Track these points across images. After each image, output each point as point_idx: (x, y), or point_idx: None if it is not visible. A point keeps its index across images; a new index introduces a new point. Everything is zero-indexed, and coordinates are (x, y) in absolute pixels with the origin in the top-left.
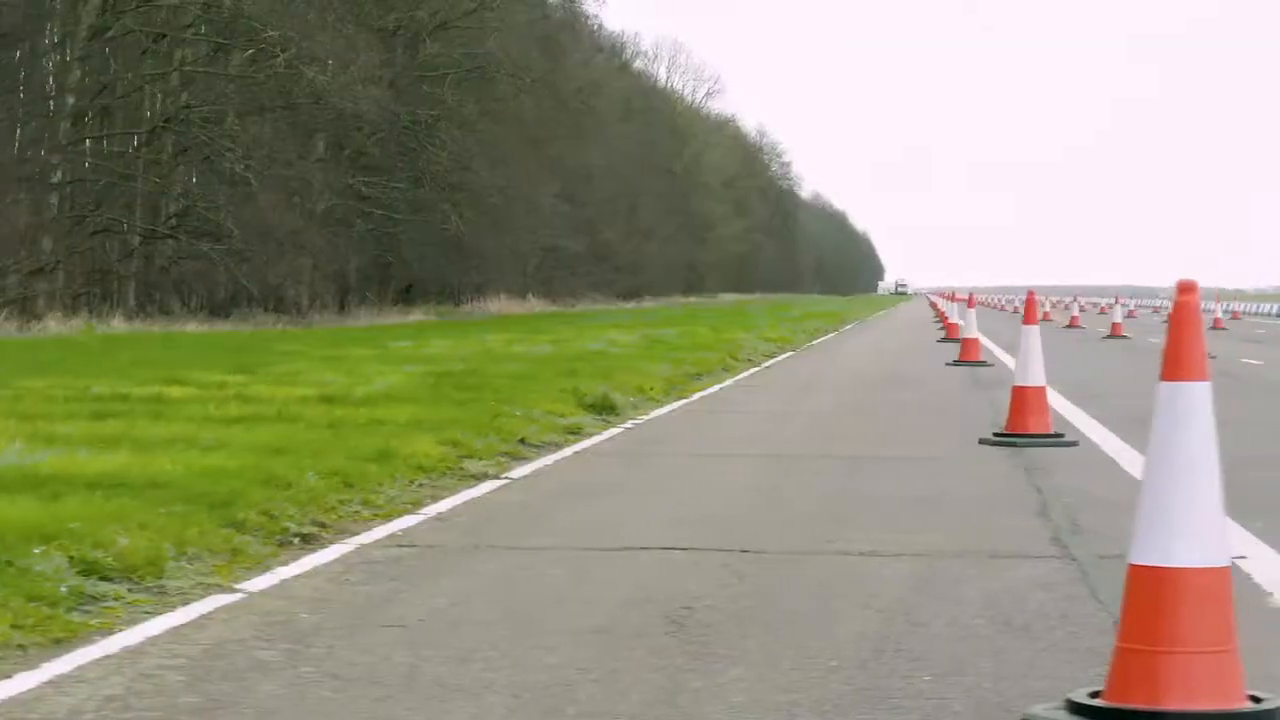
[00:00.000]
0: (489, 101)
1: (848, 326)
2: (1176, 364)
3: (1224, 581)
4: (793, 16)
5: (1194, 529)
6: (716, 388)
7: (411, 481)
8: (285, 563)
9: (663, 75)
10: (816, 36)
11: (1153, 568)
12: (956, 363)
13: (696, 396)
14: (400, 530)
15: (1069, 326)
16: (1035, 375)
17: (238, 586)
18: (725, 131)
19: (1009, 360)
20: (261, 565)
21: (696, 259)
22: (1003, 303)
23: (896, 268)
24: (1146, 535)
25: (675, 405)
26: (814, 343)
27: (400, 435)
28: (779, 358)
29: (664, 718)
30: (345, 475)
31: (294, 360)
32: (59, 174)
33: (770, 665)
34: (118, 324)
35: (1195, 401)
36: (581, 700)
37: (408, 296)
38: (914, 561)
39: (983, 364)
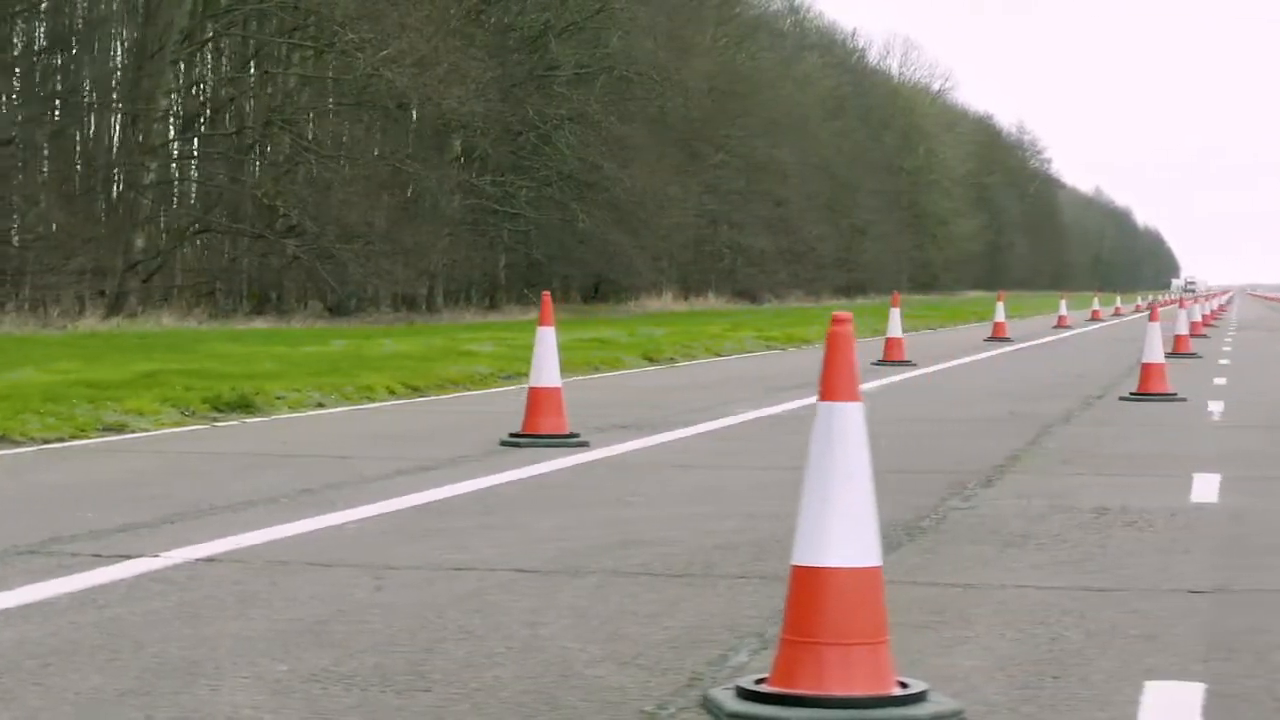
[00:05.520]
0: (620, 101)
1: (964, 326)
2: (831, 388)
3: (874, 580)
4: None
5: (847, 533)
6: (496, 390)
7: None
8: None
9: (895, 72)
10: (1117, 36)
11: (810, 568)
12: (880, 362)
13: (434, 398)
14: None
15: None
16: (549, 377)
17: None
18: (961, 127)
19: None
20: None
21: (928, 256)
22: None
23: (1189, 266)
24: (806, 539)
25: (380, 405)
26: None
27: None
28: (729, 357)
29: None
30: None
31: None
32: (151, 175)
33: None
34: (168, 321)
35: (849, 420)
36: None
37: (596, 295)
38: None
39: (907, 364)
